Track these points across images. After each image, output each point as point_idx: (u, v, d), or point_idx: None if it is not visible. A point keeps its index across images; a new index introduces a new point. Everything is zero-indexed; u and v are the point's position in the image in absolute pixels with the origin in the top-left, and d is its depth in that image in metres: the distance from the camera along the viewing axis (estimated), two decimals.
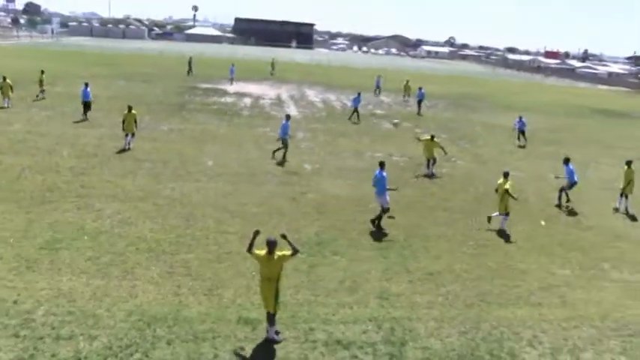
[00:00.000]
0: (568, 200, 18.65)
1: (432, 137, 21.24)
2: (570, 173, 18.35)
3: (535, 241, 14.94)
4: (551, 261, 13.68)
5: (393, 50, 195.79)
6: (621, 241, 15.64)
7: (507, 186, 15.27)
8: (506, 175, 15.60)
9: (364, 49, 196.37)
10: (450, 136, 29.79)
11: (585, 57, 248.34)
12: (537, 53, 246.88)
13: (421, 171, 21.32)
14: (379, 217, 14.59)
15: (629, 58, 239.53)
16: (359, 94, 33.86)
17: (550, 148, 29.06)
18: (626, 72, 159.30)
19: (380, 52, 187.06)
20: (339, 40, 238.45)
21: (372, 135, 28.44)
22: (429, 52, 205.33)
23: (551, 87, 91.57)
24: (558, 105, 49.18)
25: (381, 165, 14.90)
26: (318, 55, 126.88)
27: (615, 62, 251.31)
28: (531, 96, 64.66)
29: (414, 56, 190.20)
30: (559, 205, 18.43)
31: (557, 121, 40.58)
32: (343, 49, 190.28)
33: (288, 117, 21.93)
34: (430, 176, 20.76)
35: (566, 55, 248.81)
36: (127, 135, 21.29)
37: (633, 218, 17.89)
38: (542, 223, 16.22)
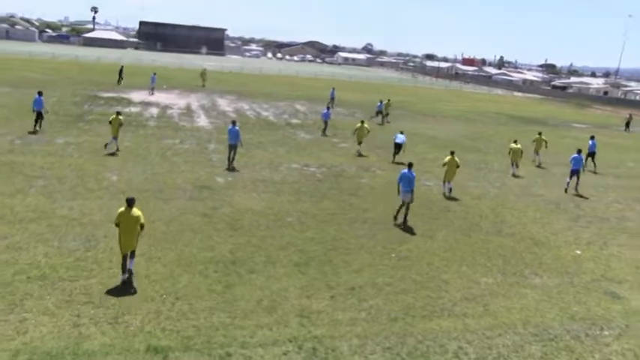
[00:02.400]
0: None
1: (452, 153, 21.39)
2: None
3: (457, 250, 15.51)
4: (473, 270, 14.24)
5: (309, 57, 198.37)
6: (540, 247, 16.59)
7: (458, 161, 21.10)
8: (452, 152, 21.21)
9: (279, 55, 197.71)
10: (367, 145, 30.48)
11: (501, 64, 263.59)
12: (455, 60, 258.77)
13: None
14: (406, 214, 17.33)
15: (541, 66, 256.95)
16: (328, 107, 35.30)
17: (470, 156, 30.42)
18: (539, 79, 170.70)
19: (295, 58, 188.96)
20: (253, 46, 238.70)
21: (288, 145, 28.55)
22: (346, 58, 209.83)
23: (469, 94, 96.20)
24: (477, 112, 51.80)
25: (410, 166, 17.50)
26: (230, 61, 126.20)
27: (529, 69, 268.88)
28: (450, 103, 67.62)
29: (331, 63, 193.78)
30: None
31: (475, 128, 42.62)
32: (257, 56, 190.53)
33: (234, 122, 23.19)
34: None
35: (483, 62, 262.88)
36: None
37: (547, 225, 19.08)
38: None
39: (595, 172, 29.69)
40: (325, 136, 32.66)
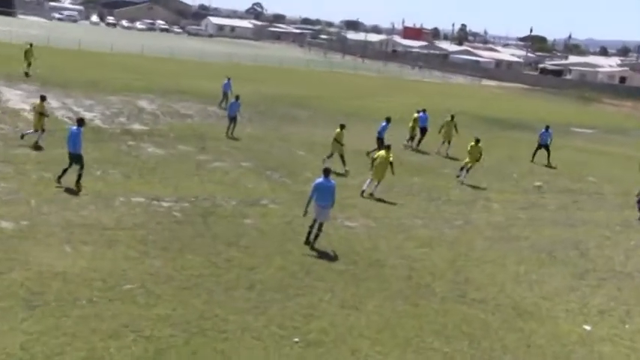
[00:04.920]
0: None
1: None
2: None
3: (397, 329, 15.79)
4: (424, 359, 14.59)
5: (161, 23, 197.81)
6: (527, 320, 17.21)
7: (391, 158, 26.14)
8: (388, 147, 26.10)
9: (110, 19, 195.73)
10: (255, 164, 30.62)
11: (463, 37, 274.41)
12: (392, 31, 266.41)
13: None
14: (317, 235, 20.09)
15: (524, 39, 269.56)
16: (237, 98, 38.40)
17: (416, 179, 31.32)
18: (521, 60, 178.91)
19: (138, 25, 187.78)
20: (66, 2, 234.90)
21: (127, 167, 28.20)
22: (220, 27, 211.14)
23: (414, 83, 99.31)
24: (428, 111, 53.18)
25: (327, 172, 20.26)
26: (27, 26, 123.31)
27: (506, 45, 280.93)
28: (386, 98, 69.40)
29: (196, 34, 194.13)
30: None
31: (426, 136, 43.93)
32: (73, 19, 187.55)
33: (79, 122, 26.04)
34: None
35: (435, 33, 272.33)
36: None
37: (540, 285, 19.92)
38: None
39: (550, 166, 36.67)
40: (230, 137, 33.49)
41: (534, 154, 40.02)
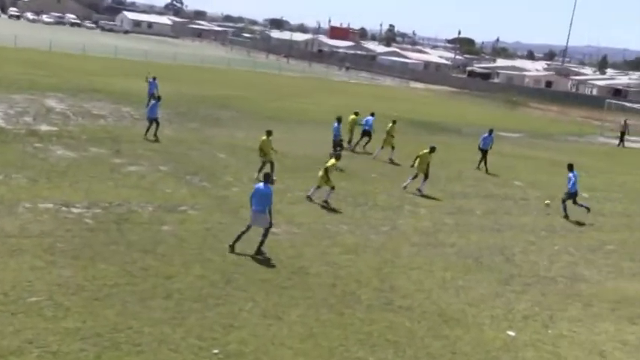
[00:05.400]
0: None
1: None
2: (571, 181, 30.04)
3: (321, 338, 15.76)
4: None
5: (71, 17, 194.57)
6: (452, 326, 17.39)
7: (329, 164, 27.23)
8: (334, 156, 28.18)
9: (13, 10, 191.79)
10: (174, 168, 30.31)
11: (391, 38, 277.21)
12: (318, 30, 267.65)
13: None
14: (262, 242, 20.60)
15: (452, 41, 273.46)
16: (158, 99, 38.09)
17: (342, 183, 31.36)
18: (449, 62, 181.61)
19: (45, 17, 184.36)
20: None
21: (33, 170, 27.62)
22: (137, 23, 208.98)
23: (341, 85, 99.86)
24: (350, 113, 53.45)
25: (267, 177, 20.80)
26: None
27: (434, 47, 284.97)
28: (311, 99, 69.62)
29: (111, 29, 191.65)
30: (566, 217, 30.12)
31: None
32: None
33: None
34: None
35: (363, 33, 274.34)
36: None
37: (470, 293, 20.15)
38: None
39: (486, 171, 38.94)
40: (152, 140, 33.62)
41: (480, 161, 40.32)
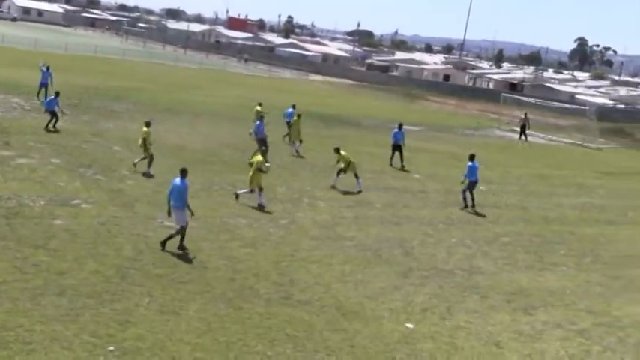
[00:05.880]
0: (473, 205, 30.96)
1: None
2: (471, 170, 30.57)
3: (219, 333, 15.79)
4: None
5: None
6: (351, 320, 17.61)
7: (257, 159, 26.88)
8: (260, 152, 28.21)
9: None
10: (66, 161, 29.78)
11: (289, 30, 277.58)
12: (216, 21, 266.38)
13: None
14: (182, 237, 20.48)
15: (351, 34, 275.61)
16: (57, 94, 37.32)
17: (239, 176, 31.32)
18: (348, 54, 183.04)
19: None
20: None
21: None
22: (26, 10, 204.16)
23: (238, 76, 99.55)
24: (250, 106, 53.46)
25: (183, 173, 20.62)
26: None
27: (333, 39, 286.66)
28: (208, 91, 69.28)
29: None
30: (466, 207, 30.83)
31: (246, 132, 44.19)
32: None
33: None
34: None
35: (261, 25, 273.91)
36: None
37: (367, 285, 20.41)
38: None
39: (404, 169, 38.97)
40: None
41: (392, 157, 40.18)
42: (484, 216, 30.78)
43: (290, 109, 44.11)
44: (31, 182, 26.24)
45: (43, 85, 45.51)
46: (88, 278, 17.86)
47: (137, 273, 18.60)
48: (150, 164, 29.76)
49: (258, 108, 43.68)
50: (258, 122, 36.99)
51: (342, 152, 32.42)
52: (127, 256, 19.85)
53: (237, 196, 27.37)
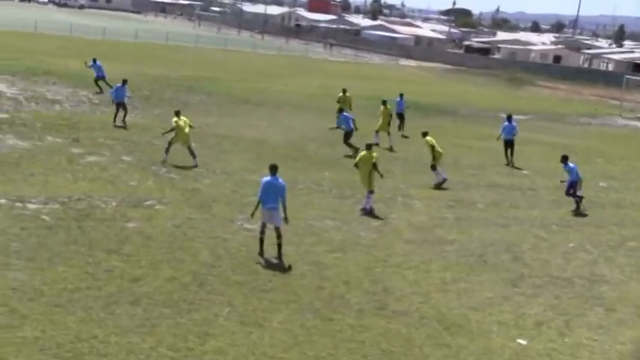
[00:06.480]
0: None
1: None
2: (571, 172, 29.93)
3: (306, 347, 15.81)
4: None
5: None
6: (455, 334, 17.41)
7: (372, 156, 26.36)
8: (369, 146, 26.74)
9: None
10: (138, 159, 30.25)
11: (377, 10, 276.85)
12: (295, 2, 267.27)
13: None
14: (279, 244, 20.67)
15: (446, 13, 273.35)
16: (124, 82, 38.27)
17: (327, 173, 31.39)
18: (442, 36, 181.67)
19: None
20: None
21: None
22: None
23: (321, 63, 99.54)
24: (334, 95, 53.61)
25: (274, 169, 20.71)
26: None
27: (426, 19, 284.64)
28: (288, 80, 69.41)
29: (64, 4, 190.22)
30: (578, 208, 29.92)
31: (332, 124, 44.24)
32: None
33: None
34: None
35: (345, 5, 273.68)
36: None
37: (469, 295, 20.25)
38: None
39: (514, 166, 38.34)
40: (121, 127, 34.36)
41: (506, 154, 39.20)
42: (605, 218, 30.02)
43: (398, 99, 44.46)
44: (102, 182, 26.84)
45: (101, 78, 46.65)
46: (164, 286, 18.12)
47: (216, 280, 18.81)
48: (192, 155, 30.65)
49: (342, 95, 44.30)
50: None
51: (429, 138, 32.26)
52: (204, 261, 20.07)
53: (366, 210, 26.72)
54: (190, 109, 44.56)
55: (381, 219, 26.10)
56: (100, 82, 46.65)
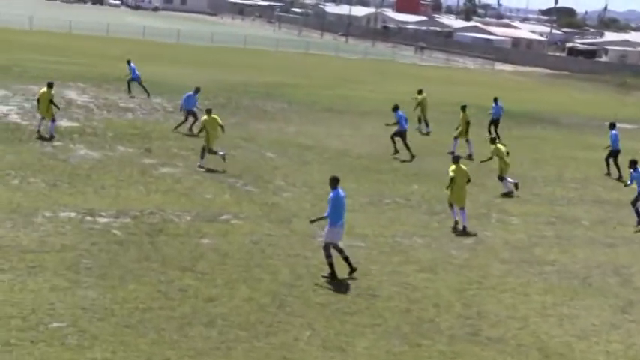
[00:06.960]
0: None
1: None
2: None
3: None
4: None
5: None
6: None
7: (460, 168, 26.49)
8: (457, 159, 27.15)
9: None
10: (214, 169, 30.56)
11: (471, 10, 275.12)
12: (382, 3, 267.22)
13: None
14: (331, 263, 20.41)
15: (546, 12, 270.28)
16: (197, 90, 38.79)
17: (415, 186, 31.33)
18: (543, 38, 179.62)
19: None
20: None
21: (52, 174, 28.07)
22: None
23: (410, 68, 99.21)
24: (430, 103, 53.67)
25: (336, 182, 20.89)
26: None
27: (524, 20, 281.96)
28: (376, 86, 69.33)
29: (138, 7, 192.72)
30: None
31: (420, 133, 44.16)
32: None
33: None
34: None
35: (437, 5, 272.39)
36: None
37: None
38: None
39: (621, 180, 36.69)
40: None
41: (608, 165, 38.65)
42: None
43: (494, 104, 44.56)
44: (176, 194, 27.18)
45: (135, 79, 47.92)
46: (240, 306, 18.23)
47: (296, 301, 18.87)
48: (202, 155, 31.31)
49: (419, 96, 45.29)
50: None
51: (499, 145, 32.60)
52: (283, 281, 20.15)
53: (459, 226, 26.65)
54: (269, 118, 45.02)
55: (475, 236, 25.93)
56: (134, 84, 48.09)
